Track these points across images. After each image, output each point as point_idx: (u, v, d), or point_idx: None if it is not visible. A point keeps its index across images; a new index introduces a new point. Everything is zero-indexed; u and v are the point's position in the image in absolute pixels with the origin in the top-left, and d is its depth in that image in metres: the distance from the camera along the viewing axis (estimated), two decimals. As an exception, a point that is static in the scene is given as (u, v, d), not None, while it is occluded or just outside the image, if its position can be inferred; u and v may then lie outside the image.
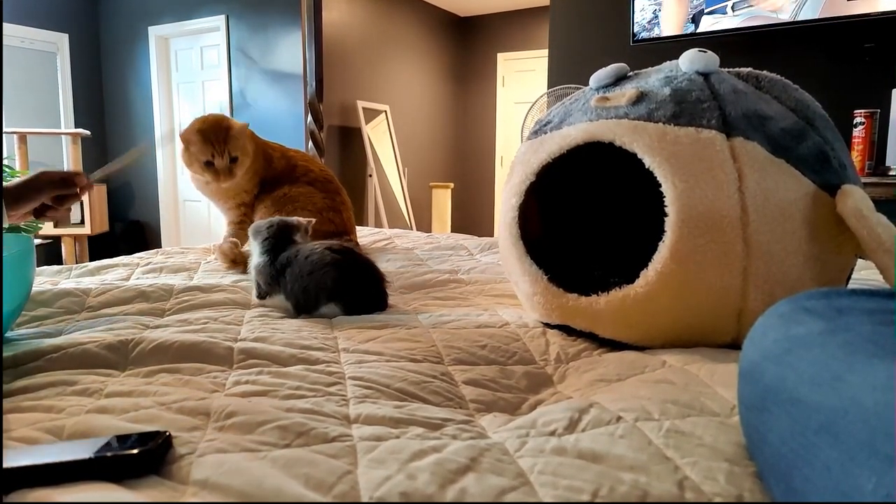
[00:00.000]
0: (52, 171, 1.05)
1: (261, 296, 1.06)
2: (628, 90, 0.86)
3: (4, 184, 1.03)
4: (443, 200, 5.31)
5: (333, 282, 0.99)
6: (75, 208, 4.69)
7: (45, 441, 0.55)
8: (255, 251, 1.09)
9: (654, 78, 0.87)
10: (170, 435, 0.53)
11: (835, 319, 0.45)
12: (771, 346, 0.48)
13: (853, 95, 2.69)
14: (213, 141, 1.46)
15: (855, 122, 2.45)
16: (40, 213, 1.05)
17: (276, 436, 0.54)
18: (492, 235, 6.71)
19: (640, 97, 0.84)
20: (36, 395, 0.67)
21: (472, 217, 6.77)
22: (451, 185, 5.39)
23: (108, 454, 0.49)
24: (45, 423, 0.59)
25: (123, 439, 0.52)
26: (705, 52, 0.85)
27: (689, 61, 0.85)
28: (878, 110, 2.44)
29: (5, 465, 0.47)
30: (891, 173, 2.39)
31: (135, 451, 0.49)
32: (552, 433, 0.56)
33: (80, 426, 0.57)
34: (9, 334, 0.92)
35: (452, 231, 5.49)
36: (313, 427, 0.55)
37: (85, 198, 4.48)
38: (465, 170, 6.76)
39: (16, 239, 0.93)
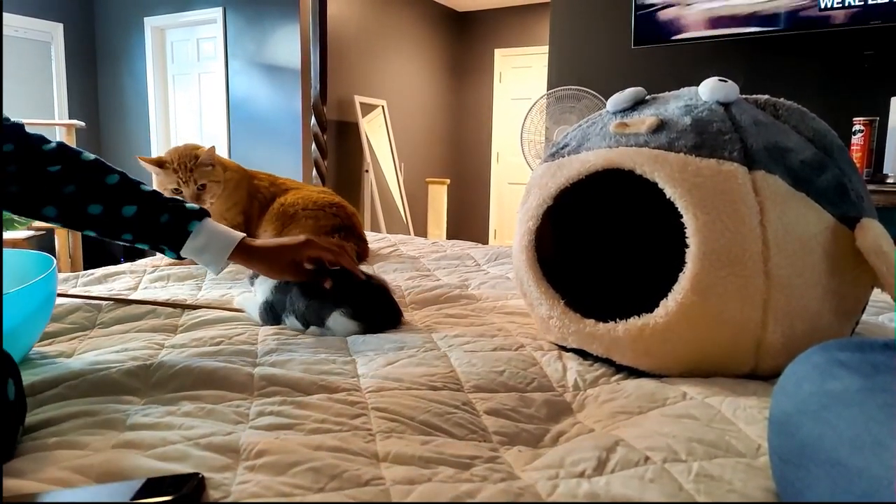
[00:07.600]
0: (318, 243, 1.00)
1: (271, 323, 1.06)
2: (648, 117, 0.86)
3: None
4: (439, 196, 5.30)
5: (339, 288, 1.00)
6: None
7: (76, 482, 0.55)
8: (261, 290, 1.08)
9: (674, 105, 0.87)
10: (203, 477, 0.53)
11: (872, 377, 0.46)
12: (806, 400, 0.48)
13: (852, 103, 2.71)
14: (179, 170, 1.50)
15: (854, 129, 2.47)
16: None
17: (310, 478, 0.54)
18: (486, 232, 6.72)
19: (661, 125, 0.84)
20: (59, 429, 0.66)
21: (467, 213, 6.77)
22: (447, 180, 5.38)
23: (144, 501, 0.49)
24: (73, 461, 0.58)
25: (157, 482, 0.52)
26: (726, 81, 0.85)
27: (710, 90, 0.85)
28: (878, 118, 2.45)
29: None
30: (888, 181, 2.41)
31: (170, 498, 0.49)
32: (581, 474, 0.57)
33: (109, 465, 0.57)
34: (22, 352, 0.91)
35: (448, 227, 5.49)
36: (345, 469, 0.55)
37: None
38: (461, 166, 6.76)
39: (39, 258, 0.92)
